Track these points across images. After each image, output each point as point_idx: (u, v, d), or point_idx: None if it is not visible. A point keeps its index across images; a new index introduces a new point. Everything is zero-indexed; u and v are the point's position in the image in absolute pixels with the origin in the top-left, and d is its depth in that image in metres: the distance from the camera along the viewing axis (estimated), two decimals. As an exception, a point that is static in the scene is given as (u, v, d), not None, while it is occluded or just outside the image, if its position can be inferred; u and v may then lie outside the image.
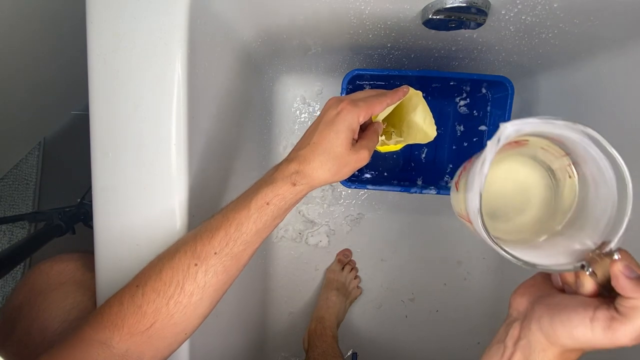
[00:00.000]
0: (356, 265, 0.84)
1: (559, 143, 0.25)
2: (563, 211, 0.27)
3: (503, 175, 0.30)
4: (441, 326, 0.83)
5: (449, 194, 0.61)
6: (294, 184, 0.34)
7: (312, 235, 0.84)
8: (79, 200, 0.73)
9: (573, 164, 0.26)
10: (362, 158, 0.36)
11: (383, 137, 0.45)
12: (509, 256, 0.23)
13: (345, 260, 0.82)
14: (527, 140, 0.28)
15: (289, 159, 0.35)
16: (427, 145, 0.74)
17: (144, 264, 0.39)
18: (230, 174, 0.57)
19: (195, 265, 0.32)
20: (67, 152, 0.96)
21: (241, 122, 0.60)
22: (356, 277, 0.83)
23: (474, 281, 0.82)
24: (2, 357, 0.35)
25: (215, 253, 0.32)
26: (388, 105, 0.38)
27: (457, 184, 0.31)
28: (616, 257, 0.22)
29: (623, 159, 0.22)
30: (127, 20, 0.38)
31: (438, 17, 0.42)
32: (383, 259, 0.84)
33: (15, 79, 0.67)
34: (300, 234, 0.84)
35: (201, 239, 0.33)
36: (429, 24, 0.45)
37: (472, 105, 0.71)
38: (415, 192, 0.62)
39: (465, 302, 0.82)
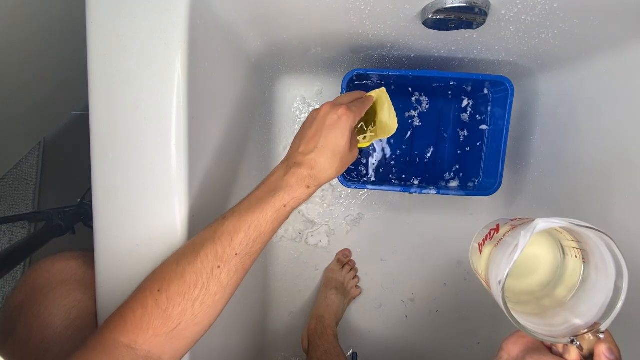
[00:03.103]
0: (356, 266, 0.84)
1: (573, 232, 0.29)
2: (568, 286, 0.31)
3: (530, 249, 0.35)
4: (441, 326, 0.83)
5: (449, 194, 0.62)
6: (308, 187, 0.37)
7: (312, 235, 0.84)
8: (79, 200, 0.73)
9: (581, 250, 0.30)
10: (355, 154, 0.42)
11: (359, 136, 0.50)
12: (515, 323, 0.28)
13: (344, 260, 0.83)
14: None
15: (298, 163, 0.38)
16: (427, 145, 0.74)
17: (144, 264, 0.39)
18: (231, 173, 0.57)
19: (219, 267, 0.33)
20: (67, 152, 0.96)
21: (241, 122, 0.60)
22: (355, 277, 0.83)
23: (474, 281, 0.82)
24: (2, 357, 0.35)
25: (236, 254, 0.34)
26: (367, 109, 0.44)
27: (480, 246, 0.35)
28: (601, 337, 0.26)
29: (623, 159, 0.23)
30: (127, 20, 0.38)
31: (438, 17, 0.42)
32: (383, 259, 0.84)
33: (15, 79, 0.67)
34: (300, 234, 0.84)
35: (220, 241, 0.34)
36: (429, 24, 0.45)
37: (473, 105, 0.71)
38: (415, 192, 0.62)
39: (465, 302, 0.83)
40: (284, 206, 0.36)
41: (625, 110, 0.50)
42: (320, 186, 0.39)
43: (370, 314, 0.84)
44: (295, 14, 0.48)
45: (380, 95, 0.48)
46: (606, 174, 0.52)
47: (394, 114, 0.48)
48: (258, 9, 0.47)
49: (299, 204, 0.37)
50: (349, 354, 0.82)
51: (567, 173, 0.61)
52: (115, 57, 0.38)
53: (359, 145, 0.50)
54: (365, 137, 0.51)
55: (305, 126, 0.41)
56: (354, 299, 0.83)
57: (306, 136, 0.39)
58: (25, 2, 0.54)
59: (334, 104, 0.40)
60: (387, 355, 0.83)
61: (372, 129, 0.51)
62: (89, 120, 0.39)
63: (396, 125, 0.48)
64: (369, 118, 0.51)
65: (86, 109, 0.39)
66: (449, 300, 0.83)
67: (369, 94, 0.47)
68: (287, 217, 0.37)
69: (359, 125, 0.52)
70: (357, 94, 0.45)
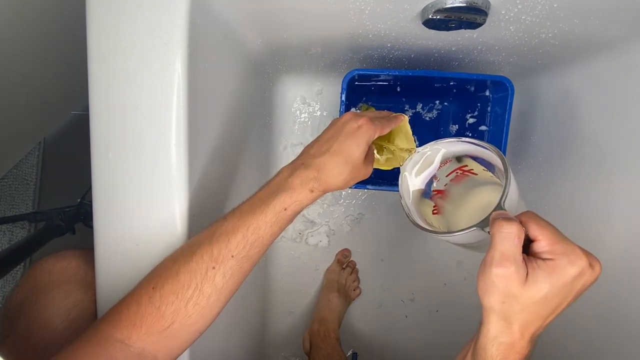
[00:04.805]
0: (356, 266, 0.84)
1: (482, 161, 0.35)
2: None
3: (475, 198, 0.40)
4: (441, 326, 0.83)
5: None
6: (312, 191, 0.35)
7: (312, 235, 0.84)
8: (79, 200, 0.73)
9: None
10: (368, 172, 0.40)
11: (377, 155, 0.47)
12: (415, 226, 0.34)
13: (344, 261, 0.82)
14: (472, 170, 0.40)
15: (305, 165, 0.36)
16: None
17: (144, 264, 0.39)
18: (230, 173, 0.57)
19: (213, 268, 0.33)
20: (67, 152, 0.95)
21: (241, 122, 0.60)
22: (356, 278, 0.83)
23: (474, 281, 0.82)
24: (2, 357, 0.35)
25: (232, 256, 0.33)
26: (391, 129, 0.42)
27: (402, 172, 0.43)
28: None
29: (622, 159, 0.24)
30: (127, 20, 0.38)
31: (438, 17, 0.42)
32: (383, 259, 0.84)
33: (15, 79, 0.67)
34: (300, 234, 0.84)
35: (217, 242, 0.33)
36: (429, 24, 0.45)
37: (473, 105, 0.71)
38: (415, 192, 0.62)
39: (465, 302, 0.82)
40: (285, 209, 0.35)
41: (625, 110, 0.50)
42: (325, 192, 0.37)
43: (370, 314, 0.84)
44: (295, 14, 0.48)
45: (404, 123, 0.44)
46: (606, 174, 0.52)
47: (411, 138, 0.44)
48: (258, 9, 0.47)
49: (301, 209, 0.36)
50: (349, 353, 0.82)
51: (567, 173, 0.61)
52: (115, 57, 0.38)
53: (378, 166, 0.47)
54: (382, 156, 0.47)
55: (323, 132, 0.40)
56: (354, 299, 0.83)
57: (320, 139, 0.38)
58: (25, 2, 0.54)
59: (357, 114, 0.39)
60: (387, 355, 0.83)
61: (386, 149, 0.48)
62: (89, 120, 0.39)
63: (414, 145, 0.44)
64: (389, 140, 0.47)
65: (86, 109, 0.39)
66: (449, 300, 0.83)
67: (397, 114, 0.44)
68: (289, 222, 0.36)
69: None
70: (384, 112, 0.43)
